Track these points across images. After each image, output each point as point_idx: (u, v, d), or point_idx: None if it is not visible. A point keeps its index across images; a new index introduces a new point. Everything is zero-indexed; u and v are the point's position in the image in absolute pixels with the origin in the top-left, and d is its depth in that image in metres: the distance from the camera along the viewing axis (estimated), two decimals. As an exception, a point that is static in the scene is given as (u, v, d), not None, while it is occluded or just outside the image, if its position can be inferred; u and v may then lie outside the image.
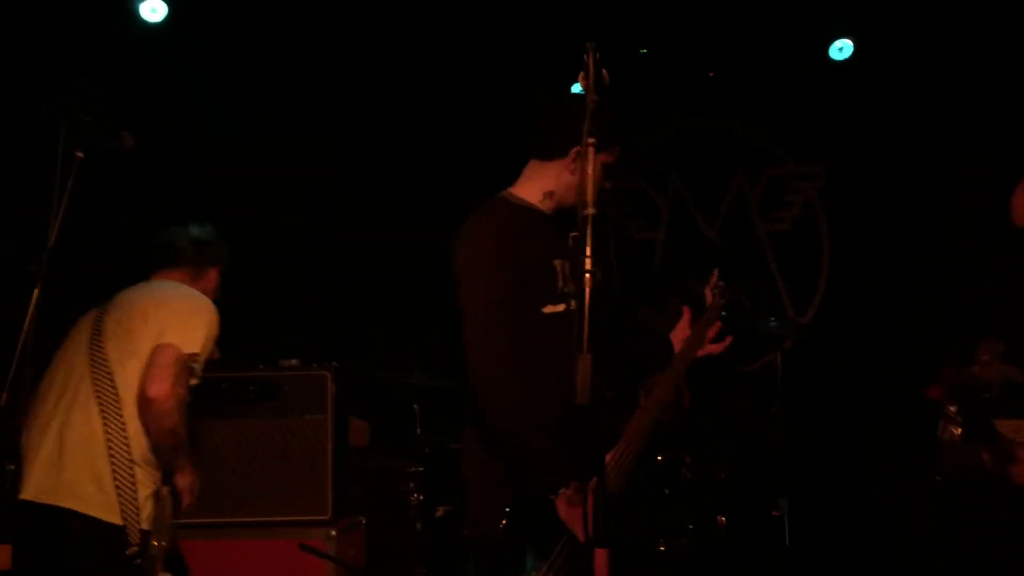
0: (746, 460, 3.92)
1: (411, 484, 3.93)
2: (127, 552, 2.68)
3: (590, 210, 1.91)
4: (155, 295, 3.02)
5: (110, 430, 2.77)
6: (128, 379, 2.84)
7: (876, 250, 4.54)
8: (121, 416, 2.78)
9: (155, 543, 2.73)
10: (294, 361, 3.85)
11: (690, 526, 3.62)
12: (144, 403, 2.78)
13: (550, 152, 2.69)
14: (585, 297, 1.89)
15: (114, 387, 2.81)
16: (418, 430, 4.01)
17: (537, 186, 2.70)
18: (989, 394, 3.67)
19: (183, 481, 2.87)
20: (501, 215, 2.68)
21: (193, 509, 2.95)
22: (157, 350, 2.83)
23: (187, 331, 2.90)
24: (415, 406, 4.02)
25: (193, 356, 2.86)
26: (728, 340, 2.85)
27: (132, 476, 2.76)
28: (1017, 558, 2.89)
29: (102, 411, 2.78)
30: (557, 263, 2.67)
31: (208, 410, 3.70)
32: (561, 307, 2.65)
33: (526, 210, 2.68)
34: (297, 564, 3.58)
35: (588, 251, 1.90)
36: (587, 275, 1.89)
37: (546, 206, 2.70)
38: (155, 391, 2.77)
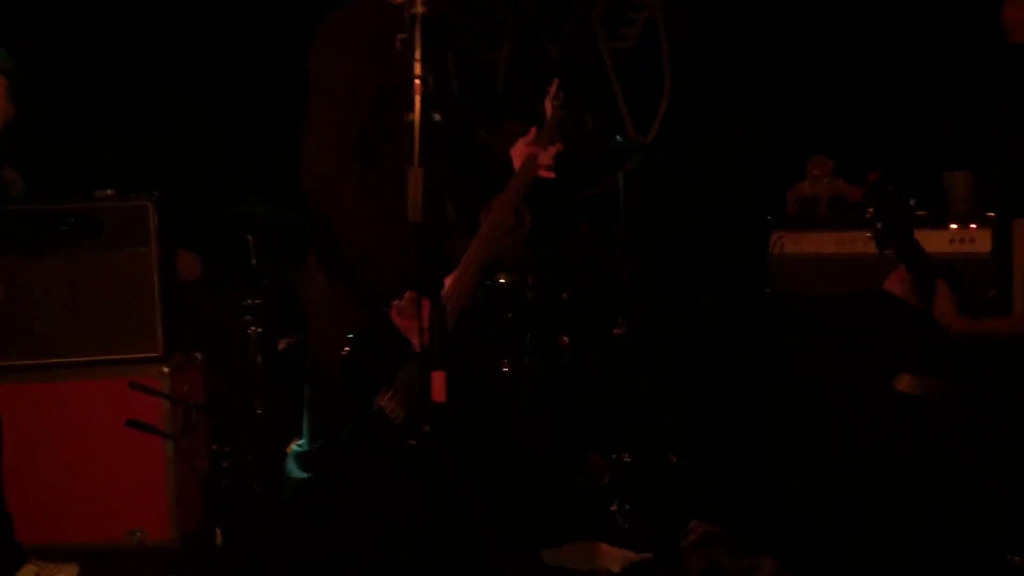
0: (589, 281, 3.95)
1: (248, 317, 3.79)
2: None
3: (419, 8, 1.74)
4: None
5: None
6: None
7: (715, 67, 4.53)
8: None
9: None
10: (110, 192, 3.60)
11: (532, 347, 3.65)
12: None
13: None
14: (415, 105, 1.75)
15: None
16: (253, 261, 3.83)
17: None
18: (817, 209, 3.80)
19: None
20: (358, 17, 2.53)
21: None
22: None
23: None
24: (249, 236, 3.84)
25: None
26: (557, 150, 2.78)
27: None
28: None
29: None
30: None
31: (21, 247, 3.46)
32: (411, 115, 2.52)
33: (384, 8, 2.51)
34: (129, 403, 3.44)
35: (417, 55, 1.74)
36: (416, 81, 1.74)
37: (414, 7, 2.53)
38: None
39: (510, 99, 4.85)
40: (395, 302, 2.45)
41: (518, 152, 2.81)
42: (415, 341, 2.39)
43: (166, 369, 3.53)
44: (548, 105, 2.83)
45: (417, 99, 1.76)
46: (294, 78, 2.69)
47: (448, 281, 2.59)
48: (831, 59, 4.23)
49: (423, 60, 1.80)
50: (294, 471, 2.78)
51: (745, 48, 4.41)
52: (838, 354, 3.42)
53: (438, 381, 1.82)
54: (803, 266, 3.73)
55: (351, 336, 2.51)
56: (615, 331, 3.78)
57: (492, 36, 4.93)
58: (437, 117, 2.53)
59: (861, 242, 3.36)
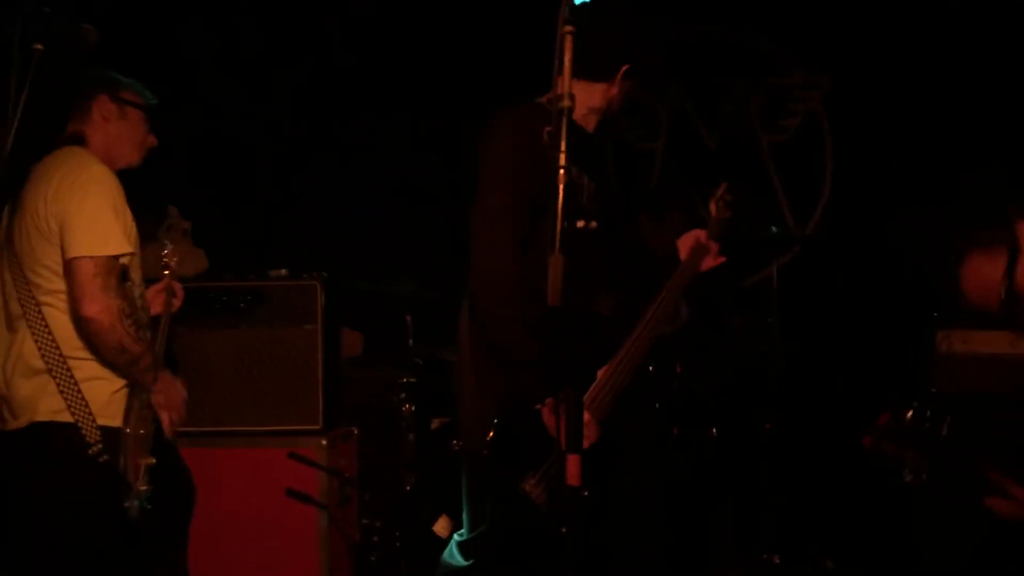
0: (738, 373, 3.89)
1: (403, 395, 3.91)
2: (89, 452, 2.51)
3: (566, 103, 1.82)
4: (43, 188, 2.57)
5: (37, 336, 2.55)
6: (44, 284, 2.57)
7: (881, 165, 4.43)
8: (44, 320, 2.56)
9: (127, 436, 2.57)
10: (283, 271, 3.82)
11: (678, 437, 3.60)
12: (81, 326, 2.53)
13: (598, 74, 2.64)
14: (559, 194, 1.82)
15: (34, 299, 2.57)
16: (410, 341, 3.97)
17: (580, 101, 2.54)
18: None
19: (158, 398, 2.67)
20: (535, 123, 2.53)
21: (183, 422, 2.83)
22: (69, 268, 2.51)
23: (93, 233, 2.51)
24: (407, 317, 3.99)
25: (113, 258, 2.53)
26: (724, 257, 2.81)
27: (67, 368, 2.53)
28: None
29: (29, 326, 2.57)
30: (584, 178, 2.63)
31: (199, 320, 3.70)
32: (579, 223, 2.60)
33: (549, 111, 2.59)
34: (288, 473, 3.59)
35: (563, 145, 1.81)
36: (560, 171, 1.81)
37: (583, 120, 2.65)
38: (87, 311, 2.48)
39: (667, 189, 4.88)
40: (549, 401, 2.48)
41: (684, 243, 2.84)
42: (560, 441, 2.41)
43: (324, 442, 3.66)
44: (713, 206, 2.85)
45: (561, 188, 1.82)
46: (459, 160, 2.81)
47: (601, 372, 2.61)
48: (1005, 143, 4.09)
49: (567, 152, 1.86)
50: (455, 559, 2.78)
51: (909, 140, 4.32)
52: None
53: (572, 465, 1.83)
54: (973, 365, 3.56)
55: (496, 421, 2.54)
56: (767, 425, 3.70)
57: (648, 126, 5.00)
58: (593, 224, 2.60)
59: (978, 342, 3.20)
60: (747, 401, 3.81)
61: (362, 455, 3.96)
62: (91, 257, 2.50)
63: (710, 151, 4.90)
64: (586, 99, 2.64)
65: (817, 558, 3.67)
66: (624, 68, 2.65)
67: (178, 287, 2.96)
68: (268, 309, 3.74)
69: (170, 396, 2.72)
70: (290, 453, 3.55)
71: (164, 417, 2.71)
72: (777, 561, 3.44)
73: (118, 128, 2.73)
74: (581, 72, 2.60)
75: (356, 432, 3.94)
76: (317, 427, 3.71)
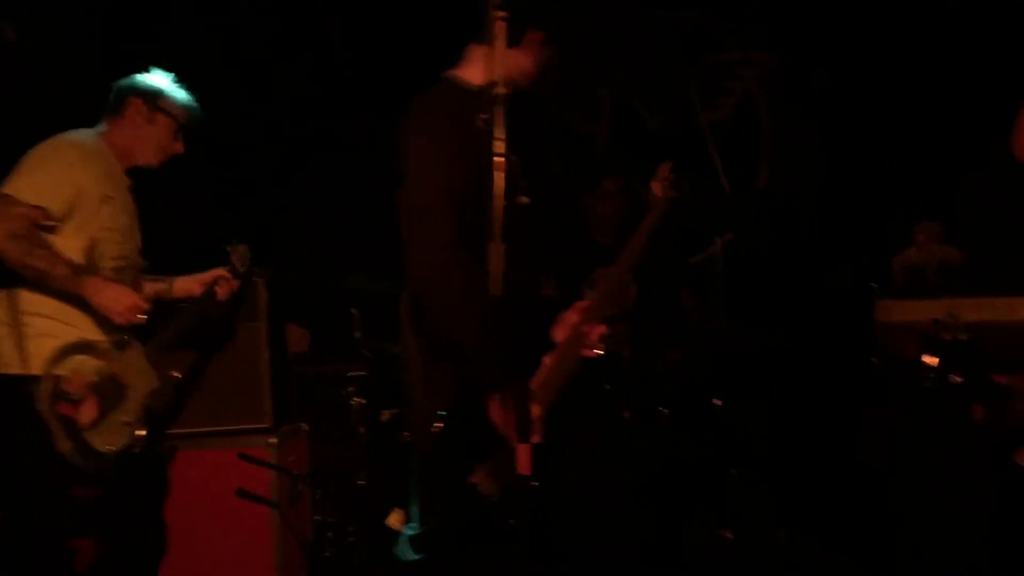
0: (688, 353, 3.91)
1: (352, 389, 3.88)
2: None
3: (500, 89, 1.79)
4: None
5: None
6: None
7: (818, 140, 4.48)
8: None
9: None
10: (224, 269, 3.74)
11: (630, 420, 3.61)
12: None
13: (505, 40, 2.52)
14: (497, 183, 1.79)
15: None
16: (358, 335, 3.94)
17: (485, 68, 2.48)
18: (927, 275, 3.68)
19: (94, 300, 2.90)
20: (450, 102, 2.53)
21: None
22: None
23: (16, 178, 2.90)
24: (354, 311, 3.95)
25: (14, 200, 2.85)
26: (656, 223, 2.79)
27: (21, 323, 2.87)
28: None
29: None
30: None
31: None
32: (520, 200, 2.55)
33: (475, 96, 2.49)
34: (239, 473, 3.54)
35: (499, 134, 1.79)
36: (496, 159, 1.78)
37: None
38: None
39: (609, 168, 4.89)
40: (497, 396, 2.44)
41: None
42: (508, 434, 2.39)
43: (273, 440, 3.63)
44: (658, 186, 2.84)
45: (499, 176, 1.79)
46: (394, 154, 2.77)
47: (548, 358, 2.60)
48: (939, 120, 4.15)
49: (506, 139, 1.83)
50: (406, 553, 2.76)
51: (844, 107, 4.36)
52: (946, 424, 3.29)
53: (523, 455, 1.82)
54: (910, 334, 3.61)
55: (444, 413, 2.52)
56: (715, 401, 3.73)
57: (589, 109, 4.99)
58: (524, 200, 2.57)
59: (971, 310, 3.24)
60: (698, 381, 3.83)
61: (313, 451, 3.92)
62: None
63: (651, 132, 4.91)
64: (478, 67, 2.54)
65: (768, 531, 3.72)
66: (534, 36, 2.54)
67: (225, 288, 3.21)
68: (211, 307, 3.68)
69: (108, 298, 2.92)
70: (240, 453, 3.50)
71: (114, 316, 2.93)
72: (730, 536, 3.47)
73: (145, 130, 3.10)
74: (480, 38, 2.52)
75: (305, 428, 3.90)
76: (265, 425, 3.67)
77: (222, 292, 3.24)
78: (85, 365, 2.91)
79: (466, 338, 2.44)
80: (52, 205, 2.90)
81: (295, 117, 4.67)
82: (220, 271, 3.24)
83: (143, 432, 2.96)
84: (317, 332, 4.29)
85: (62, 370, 2.88)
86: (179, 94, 3.17)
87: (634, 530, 3.42)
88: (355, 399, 3.83)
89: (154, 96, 3.12)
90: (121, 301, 2.94)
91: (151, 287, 3.25)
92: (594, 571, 2.95)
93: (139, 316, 2.98)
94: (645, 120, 4.96)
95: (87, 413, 2.89)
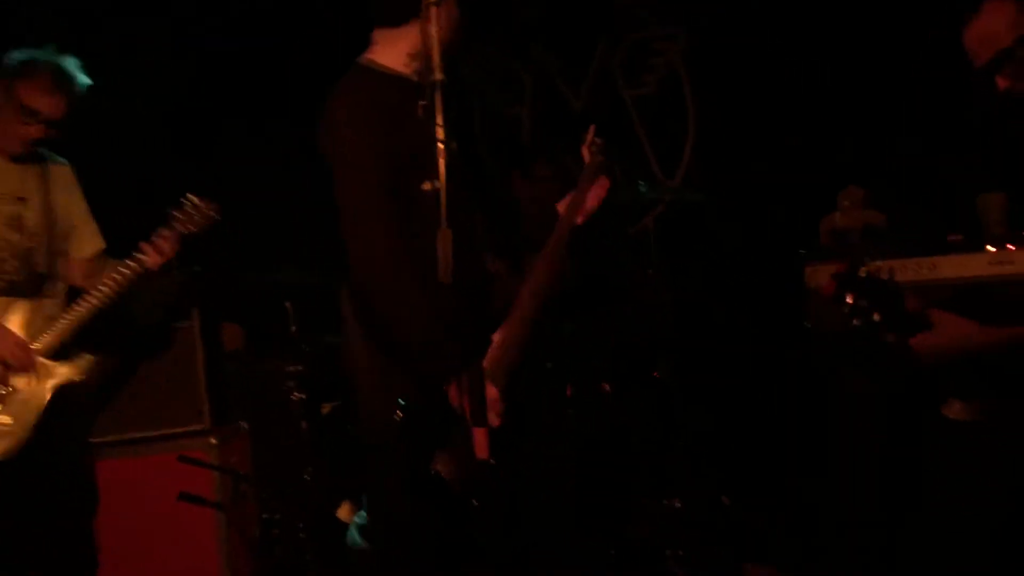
0: (628, 326, 3.95)
1: (291, 383, 3.82)
2: None
3: (438, 76, 1.78)
4: None
5: None
6: None
7: (740, 108, 4.54)
8: None
9: None
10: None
11: (575, 396, 3.64)
12: None
13: (401, 15, 2.47)
14: (440, 169, 1.79)
15: None
16: (293, 328, 3.88)
17: (399, 50, 2.49)
18: (852, 239, 3.77)
19: None
20: (369, 89, 2.47)
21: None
22: None
23: None
24: (287, 304, 3.89)
25: None
26: (604, 191, 2.81)
27: None
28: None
29: None
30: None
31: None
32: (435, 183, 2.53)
33: (393, 79, 2.49)
34: (180, 477, 3.49)
35: (439, 120, 1.78)
36: (440, 145, 1.77)
37: (412, 69, 2.49)
38: None
39: (536, 150, 4.89)
40: (454, 382, 2.42)
41: (563, 203, 2.84)
42: (469, 417, 2.39)
43: (214, 440, 3.58)
44: (586, 152, 2.86)
45: (442, 163, 1.78)
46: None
47: (496, 336, 2.60)
48: (859, 88, 4.23)
49: (445, 125, 1.82)
50: (357, 541, 2.75)
51: (766, 81, 4.42)
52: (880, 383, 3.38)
53: (480, 438, 1.83)
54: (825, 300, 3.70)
55: (402, 402, 2.50)
56: (655, 374, 3.77)
57: (513, 91, 4.98)
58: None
59: (896, 271, 3.33)
60: (636, 353, 3.88)
61: (254, 449, 3.87)
62: None
63: (576, 111, 4.93)
64: (401, 46, 2.49)
65: (713, 496, 3.78)
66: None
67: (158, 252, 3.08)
68: (146, 307, 3.60)
69: None
70: (179, 456, 3.44)
71: None
72: (679, 504, 3.53)
73: None
74: (383, 19, 2.49)
75: (245, 427, 3.85)
76: (204, 426, 3.62)
77: (152, 258, 3.09)
78: None
79: (414, 330, 2.42)
80: None
81: (223, 108, 4.57)
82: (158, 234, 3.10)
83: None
84: (250, 328, 4.22)
85: None
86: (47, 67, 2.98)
87: (584, 505, 3.46)
88: (295, 394, 3.77)
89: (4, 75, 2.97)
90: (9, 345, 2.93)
91: (121, 272, 3.10)
92: (549, 547, 2.97)
93: (25, 357, 2.95)
94: (568, 100, 4.97)
95: None
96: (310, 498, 3.66)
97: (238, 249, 4.30)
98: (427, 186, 2.45)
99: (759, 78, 4.44)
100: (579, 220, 2.84)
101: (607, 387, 3.73)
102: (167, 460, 3.51)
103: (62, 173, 3.23)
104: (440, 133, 1.78)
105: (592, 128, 2.88)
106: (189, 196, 3.15)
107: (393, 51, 2.50)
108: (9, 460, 2.93)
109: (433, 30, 1.82)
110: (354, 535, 2.81)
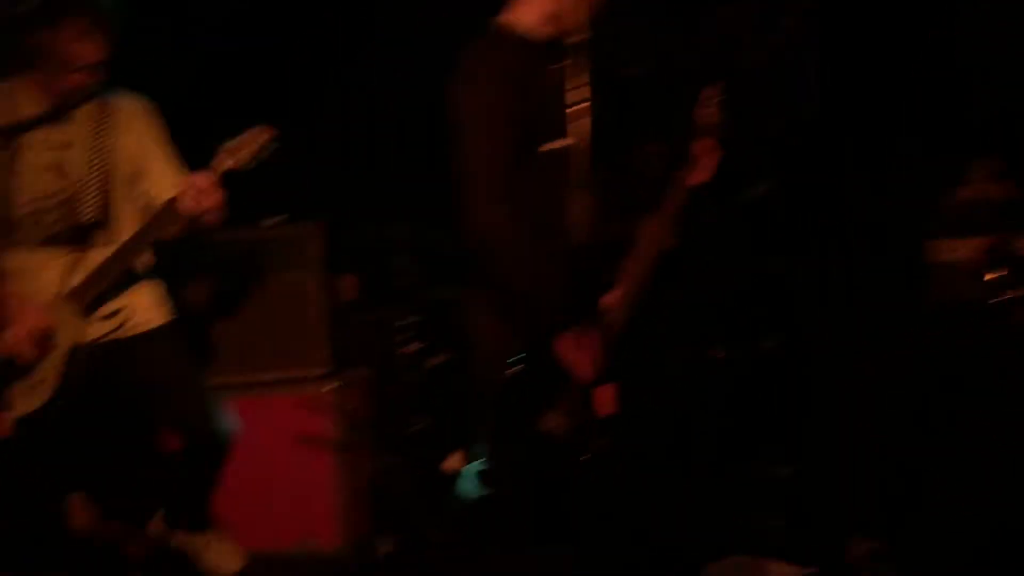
0: (742, 291, 3.92)
1: (407, 335, 3.92)
2: None
3: (581, 36, 1.80)
4: None
5: None
6: None
7: (871, 78, 4.41)
8: None
9: None
10: (279, 219, 3.79)
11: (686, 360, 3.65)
12: None
13: None
14: (582, 132, 1.81)
15: None
16: (410, 281, 3.97)
17: (535, 10, 2.53)
18: (984, 213, 3.67)
19: None
20: (500, 53, 2.52)
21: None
22: None
23: None
24: (403, 258, 3.98)
25: None
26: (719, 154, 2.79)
27: None
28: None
29: None
30: (556, 95, 2.57)
31: (199, 273, 3.68)
32: (558, 143, 2.57)
33: (527, 45, 2.53)
34: (299, 418, 3.61)
35: (582, 81, 1.80)
36: (580, 106, 1.79)
37: (545, 32, 2.54)
38: None
39: (651, 113, 4.85)
40: (562, 336, 2.48)
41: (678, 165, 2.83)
42: (580, 374, 2.44)
43: (333, 386, 3.68)
44: (703, 111, 2.83)
45: (584, 123, 1.81)
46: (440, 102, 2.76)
47: (610, 299, 2.62)
48: (991, 58, 4.08)
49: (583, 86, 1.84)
50: (470, 489, 2.82)
51: (892, 47, 4.30)
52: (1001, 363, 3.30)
53: (607, 395, 1.86)
54: (961, 274, 3.61)
55: (514, 359, 2.55)
56: (766, 345, 3.75)
57: (629, 52, 4.94)
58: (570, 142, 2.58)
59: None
60: (749, 322, 3.85)
61: (369, 397, 3.98)
62: None
63: (696, 71, 4.86)
64: (537, 7, 2.53)
65: (821, 468, 3.75)
66: None
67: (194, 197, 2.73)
68: (268, 258, 3.73)
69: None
70: (301, 399, 3.56)
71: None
72: (787, 472, 3.51)
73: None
74: None
75: (364, 374, 3.96)
76: (325, 371, 3.73)
77: (189, 202, 2.71)
78: None
79: (526, 283, 2.47)
80: None
81: (341, 66, 4.64)
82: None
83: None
84: (369, 279, 4.32)
85: None
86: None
87: (689, 471, 3.47)
88: (409, 345, 3.87)
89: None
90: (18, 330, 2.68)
91: (149, 220, 2.82)
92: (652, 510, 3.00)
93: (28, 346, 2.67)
94: (684, 60, 4.90)
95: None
96: (420, 448, 3.77)
97: (358, 201, 4.41)
98: (546, 147, 2.51)
99: (884, 42, 4.31)
100: (695, 181, 2.82)
101: (719, 354, 3.72)
102: (288, 403, 3.63)
103: (129, 112, 2.92)
104: (582, 93, 1.80)
105: (709, 89, 2.84)
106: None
107: (530, 11, 2.54)
108: (48, 412, 2.78)
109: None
110: (465, 485, 2.88)
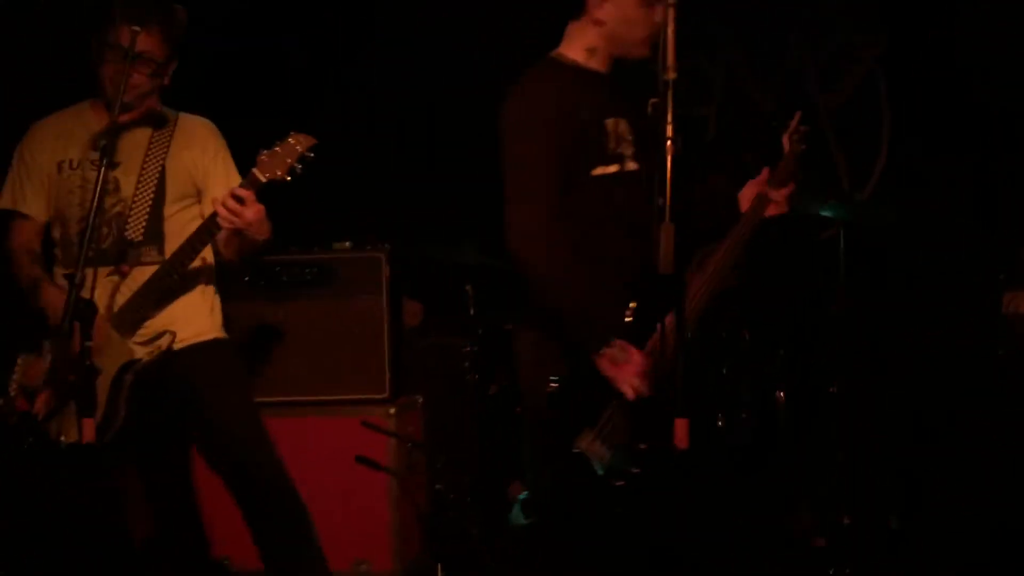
0: (805, 336, 3.89)
1: (466, 364, 3.95)
2: None
3: (671, 74, 1.83)
4: None
5: None
6: None
7: (938, 125, 4.38)
8: None
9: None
10: (347, 243, 3.85)
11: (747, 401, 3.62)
12: None
13: (577, 7, 2.66)
14: (667, 165, 1.84)
15: None
16: (471, 310, 4.01)
17: (579, 44, 2.67)
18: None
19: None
20: (552, 78, 2.64)
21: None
22: None
23: None
24: (468, 286, 4.02)
25: None
26: (792, 187, 2.78)
27: None
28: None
29: None
30: (609, 122, 2.63)
31: (267, 293, 3.75)
32: (612, 168, 2.61)
33: (576, 70, 2.65)
34: (357, 441, 3.65)
35: (669, 117, 1.83)
36: (668, 142, 1.82)
37: (593, 63, 2.67)
38: None
39: (719, 153, 4.86)
40: (605, 350, 2.50)
41: (746, 195, 2.84)
42: (625, 389, 2.45)
43: (392, 410, 3.72)
44: (786, 141, 2.82)
45: (669, 160, 1.84)
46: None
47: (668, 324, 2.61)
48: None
49: (673, 123, 1.88)
50: (519, 519, 2.84)
51: (969, 91, 4.26)
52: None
53: (680, 428, 1.87)
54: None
55: (555, 379, 2.56)
56: (831, 390, 3.71)
57: (702, 91, 4.95)
58: (631, 166, 2.61)
59: None
60: (810, 363, 3.82)
61: (426, 422, 4.01)
62: None
63: (765, 115, 4.86)
64: (579, 41, 2.66)
65: (882, 516, 3.70)
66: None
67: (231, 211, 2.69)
68: (334, 281, 3.79)
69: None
70: (363, 421, 3.60)
71: None
72: (848, 522, 3.47)
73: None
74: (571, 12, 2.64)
75: (421, 400, 3.99)
76: (385, 395, 3.76)
77: (227, 218, 2.66)
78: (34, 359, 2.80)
79: (568, 305, 2.52)
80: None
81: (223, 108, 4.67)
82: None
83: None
84: (432, 306, 4.36)
85: (19, 367, 2.79)
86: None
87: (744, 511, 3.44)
88: (470, 374, 3.90)
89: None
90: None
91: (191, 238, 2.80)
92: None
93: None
94: (758, 102, 4.91)
95: (41, 405, 2.76)
96: (478, 474, 3.78)
97: (424, 227, 4.46)
98: (597, 171, 2.55)
99: (962, 88, 4.28)
100: (770, 213, 2.81)
101: (781, 395, 3.69)
102: (348, 424, 3.67)
103: (189, 131, 2.94)
104: (670, 131, 1.84)
105: (798, 115, 2.83)
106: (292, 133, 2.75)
107: (574, 44, 2.68)
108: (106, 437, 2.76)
109: (669, 29, 1.87)
110: (517, 512, 2.89)
